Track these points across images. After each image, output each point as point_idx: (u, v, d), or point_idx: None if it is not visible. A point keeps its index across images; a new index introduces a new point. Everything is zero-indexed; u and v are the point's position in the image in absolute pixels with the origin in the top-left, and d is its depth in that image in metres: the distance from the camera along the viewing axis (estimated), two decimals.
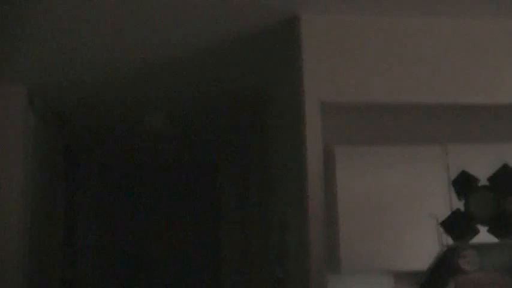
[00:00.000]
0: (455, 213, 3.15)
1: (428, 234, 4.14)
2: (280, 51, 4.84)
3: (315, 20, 4.26)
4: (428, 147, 4.37)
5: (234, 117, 6.74)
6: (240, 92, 5.85)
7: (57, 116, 6.26)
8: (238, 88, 5.74)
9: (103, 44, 4.55)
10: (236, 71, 5.27)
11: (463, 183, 3.16)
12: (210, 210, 8.38)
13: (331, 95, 4.20)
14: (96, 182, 8.09)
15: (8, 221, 4.84)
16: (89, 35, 4.40)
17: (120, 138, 7.52)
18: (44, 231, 5.61)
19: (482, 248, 3.26)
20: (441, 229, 3.95)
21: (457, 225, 3.11)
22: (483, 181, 3.23)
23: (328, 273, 4.23)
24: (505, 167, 3.20)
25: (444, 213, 4.13)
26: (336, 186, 4.28)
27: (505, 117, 4.86)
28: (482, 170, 3.47)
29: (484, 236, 3.17)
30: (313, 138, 4.18)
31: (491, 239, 3.16)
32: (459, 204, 3.31)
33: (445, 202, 4.26)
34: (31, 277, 5.05)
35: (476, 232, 3.15)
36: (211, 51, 4.80)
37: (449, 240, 3.68)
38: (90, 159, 8.07)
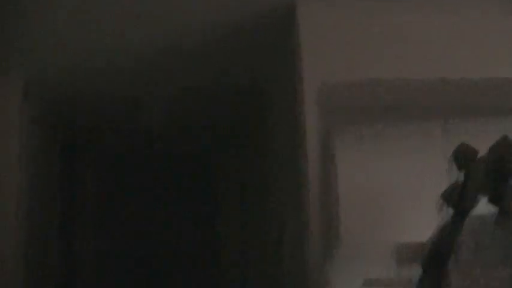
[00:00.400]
0: (455, 185, 3.16)
1: (428, 207, 4.16)
2: (278, 39, 4.84)
3: (312, 4, 4.26)
4: (427, 124, 4.37)
5: (233, 108, 6.74)
6: (238, 81, 5.85)
7: (53, 113, 6.25)
8: (237, 78, 5.74)
9: (101, 35, 4.55)
10: (234, 62, 5.27)
11: (462, 155, 3.17)
12: (208, 203, 8.38)
13: (329, 78, 4.21)
14: (94, 178, 8.08)
15: (5, 222, 4.81)
16: (87, 27, 4.39)
17: (117, 132, 7.52)
18: (42, 229, 5.61)
19: (482, 219, 3.29)
20: (441, 201, 3.96)
21: (456, 197, 3.13)
22: (482, 154, 3.25)
23: (329, 250, 4.25)
24: (504, 138, 3.21)
25: (444, 187, 4.14)
26: (336, 167, 4.29)
27: (503, 91, 4.86)
28: (481, 145, 3.48)
29: (484, 206, 3.19)
30: (312, 120, 4.20)
31: (491, 209, 3.18)
32: (458, 179, 3.33)
33: (445, 177, 4.27)
34: (27, 281, 5.05)
35: (476, 203, 3.16)
36: (209, 42, 4.80)
37: (450, 213, 3.69)
38: (87, 156, 8.07)
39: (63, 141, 6.83)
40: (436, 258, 3.26)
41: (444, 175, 4.26)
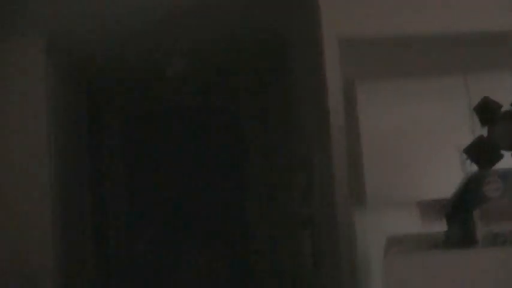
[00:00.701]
0: (478, 140, 3.15)
1: (451, 163, 4.16)
2: None
3: None
4: (449, 78, 4.34)
5: (255, 60, 6.72)
6: (259, 34, 5.83)
7: (79, 68, 6.29)
8: (258, 30, 5.72)
9: None
10: (255, 13, 5.23)
11: (485, 110, 3.15)
12: (233, 154, 8.43)
13: (349, 30, 4.18)
14: (120, 130, 8.15)
15: (35, 175, 4.89)
16: None
17: (142, 84, 7.54)
18: (71, 183, 5.70)
19: (506, 174, 3.29)
20: (464, 157, 3.95)
21: (480, 152, 3.12)
22: (505, 108, 3.22)
23: (354, 207, 4.28)
24: None
25: (467, 142, 4.13)
26: (358, 121, 4.29)
27: None
28: (504, 98, 3.46)
29: (508, 161, 3.18)
30: (333, 74, 4.19)
31: None
32: (482, 133, 3.31)
33: (468, 132, 4.26)
34: (62, 227, 5.16)
35: (499, 158, 3.15)
36: None
37: (473, 168, 3.69)
38: (113, 109, 8.12)
39: (90, 96, 6.87)
40: (460, 210, 3.28)
41: (467, 130, 4.25)
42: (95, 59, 6.23)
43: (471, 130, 4.24)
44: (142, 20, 5.20)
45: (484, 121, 3.18)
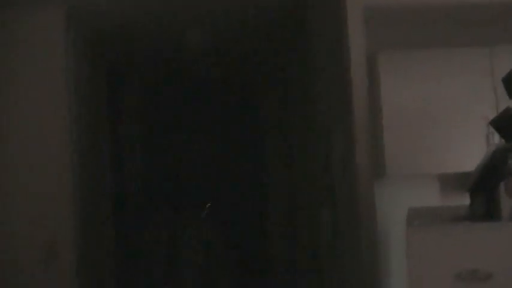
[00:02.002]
0: (505, 112, 3.10)
1: (475, 135, 4.12)
2: None
3: None
4: (473, 50, 4.29)
5: (274, 31, 6.67)
6: (279, 2, 5.78)
7: (96, 35, 6.27)
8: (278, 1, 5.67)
9: None
10: None
11: None
12: (252, 126, 8.42)
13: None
14: (140, 103, 8.16)
15: (55, 143, 4.91)
16: None
17: (163, 57, 7.52)
18: (91, 149, 5.71)
19: None
20: (489, 129, 3.91)
21: (507, 124, 3.07)
22: None
23: (375, 179, 4.26)
24: None
25: (491, 115, 4.09)
26: (380, 92, 4.25)
27: None
28: None
29: None
30: (356, 45, 4.14)
31: None
32: (507, 105, 3.27)
33: (492, 104, 4.21)
34: (82, 192, 5.18)
35: None
36: None
37: (498, 141, 3.64)
38: (132, 78, 8.11)
39: (109, 67, 6.86)
40: (485, 183, 3.24)
41: (491, 102, 4.20)
42: (113, 28, 6.21)
43: (495, 103, 4.19)
44: None
45: (511, 93, 3.13)
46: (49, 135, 4.87)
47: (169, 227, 4.87)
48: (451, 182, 4.52)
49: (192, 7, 5.73)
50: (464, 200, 3.43)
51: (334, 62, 4.67)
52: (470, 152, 4.07)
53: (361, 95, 4.04)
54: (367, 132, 4.17)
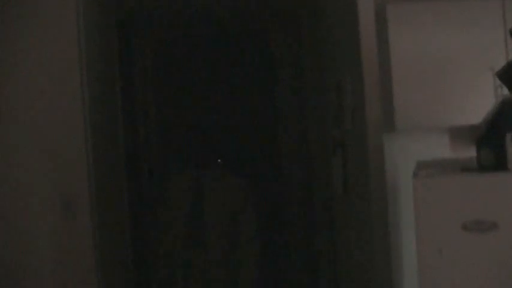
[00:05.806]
0: (510, 63, 3.09)
1: (483, 87, 4.10)
2: None
3: None
4: (484, 1, 4.23)
5: None
6: None
7: None
8: None
9: None
10: None
11: None
12: (265, 77, 8.40)
13: None
14: (153, 55, 8.13)
15: (67, 102, 4.91)
16: None
17: (174, 11, 7.48)
18: (103, 107, 5.73)
19: None
20: (497, 81, 3.90)
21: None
22: None
23: (384, 132, 4.28)
24: None
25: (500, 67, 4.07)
26: (389, 44, 4.23)
27: None
28: None
29: None
30: None
31: None
32: None
33: (502, 56, 4.17)
34: (96, 151, 5.23)
35: None
36: None
37: (506, 92, 3.64)
38: (145, 33, 8.08)
39: (120, 21, 6.81)
40: (492, 134, 3.25)
41: (501, 55, 4.16)
42: None
43: (505, 55, 4.16)
44: None
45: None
46: (61, 91, 4.88)
47: (189, 187, 4.94)
48: (461, 135, 4.52)
49: None
50: (474, 153, 3.45)
51: (343, 15, 4.65)
52: (480, 104, 4.06)
53: (370, 47, 4.03)
54: (376, 85, 4.16)
